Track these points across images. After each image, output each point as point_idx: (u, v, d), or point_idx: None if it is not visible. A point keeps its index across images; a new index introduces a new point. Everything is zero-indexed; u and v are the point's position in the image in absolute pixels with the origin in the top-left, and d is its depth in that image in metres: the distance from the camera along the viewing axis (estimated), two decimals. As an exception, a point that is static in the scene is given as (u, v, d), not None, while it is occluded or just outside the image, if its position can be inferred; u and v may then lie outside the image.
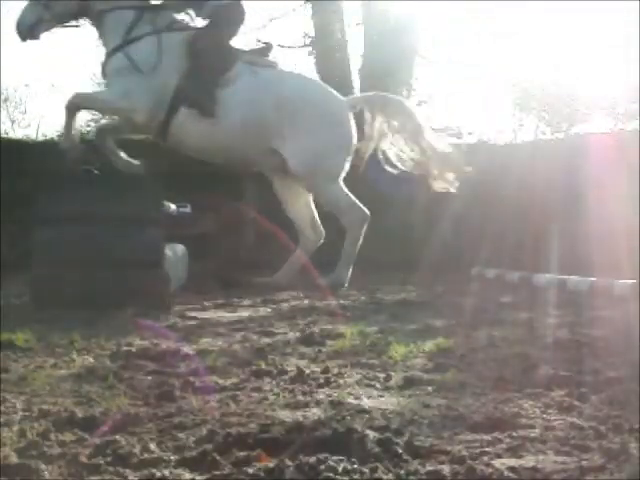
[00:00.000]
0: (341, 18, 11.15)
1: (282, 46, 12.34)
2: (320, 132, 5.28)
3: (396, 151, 5.84)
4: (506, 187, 8.40)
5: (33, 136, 9.64)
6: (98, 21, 5.34)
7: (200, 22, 5.53)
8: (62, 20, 5.35)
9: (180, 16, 5.47)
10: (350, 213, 5.43)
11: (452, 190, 5.84)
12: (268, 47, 5.68)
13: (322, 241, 5.81)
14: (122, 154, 5.45)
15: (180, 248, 6.68)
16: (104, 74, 5.41)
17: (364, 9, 11.09)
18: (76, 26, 5.51)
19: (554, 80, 13.28)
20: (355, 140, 5.64)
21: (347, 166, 5.64)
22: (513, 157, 9.01)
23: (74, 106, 5.29)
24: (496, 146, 10.39)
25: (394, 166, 5.78)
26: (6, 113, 17.82)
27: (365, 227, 5.54)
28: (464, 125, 11.49)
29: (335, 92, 5.72)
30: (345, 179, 6.12)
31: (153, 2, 5.45)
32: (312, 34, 11.14)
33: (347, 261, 5.48)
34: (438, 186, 5.85)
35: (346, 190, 5.56)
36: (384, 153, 5.83)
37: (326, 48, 10.82)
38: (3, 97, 17.81)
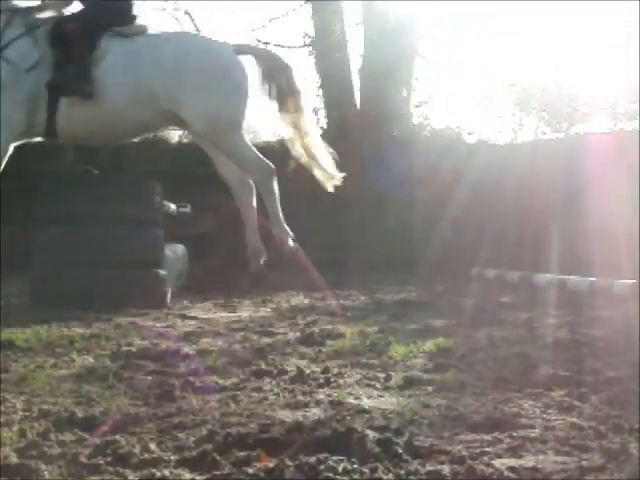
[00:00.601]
0: (341, 18, 11.14)
1: (282, 46, 12.37)
2: (210, 82, 5.02)
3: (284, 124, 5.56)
4: (506, 187, 8.41)
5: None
6: None
7: None
8: None
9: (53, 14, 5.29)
10: (256, 166, 5.21)
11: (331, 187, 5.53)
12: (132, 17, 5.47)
13: (254, 191, 5.49)
14: None
15: (180, 248, 6.68)
16: None
17: (364, 9, 11.09)
18: None
19: (554, 80, 13.25)
20: (248, 85, 5.37)
21: (246, 114, 5.37)
22: (513, 157, 9.01)
23: None
24: (496, 146, 10.40)
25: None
26: (6, 113, 17.79)
27: (275, 181, 5.27)
28: (464, 125, 11.44)
29: (219, 41, 5.53)
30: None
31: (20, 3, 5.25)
32: (312, 34, 11.14)
33: (276, 220, 5.23)
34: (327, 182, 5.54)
35: (250, 143, 5.35)
36: (278, 122, 5.55)
37: (326, 48, 10.81)
38: (3, 97, 17.79)
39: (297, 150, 5.29)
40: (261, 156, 5.29)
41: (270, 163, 5.28)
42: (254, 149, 5.24)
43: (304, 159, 5.33)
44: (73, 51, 4.92)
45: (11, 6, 5.06)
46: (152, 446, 1.70)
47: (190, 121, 5.02)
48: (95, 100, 4.90)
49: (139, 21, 5.32)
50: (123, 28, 5.12)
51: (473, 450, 1.68)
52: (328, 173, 5.34)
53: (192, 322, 4.10)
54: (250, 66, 5.44)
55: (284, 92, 5.25)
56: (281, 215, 5.27)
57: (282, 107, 5.29)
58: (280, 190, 6.23)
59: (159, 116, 5.09)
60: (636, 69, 11.31)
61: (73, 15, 5.17)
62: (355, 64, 10.90)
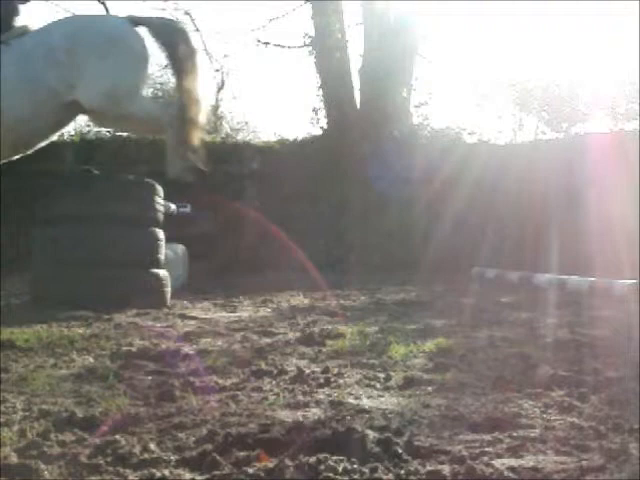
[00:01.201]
0: (341, 18, 11.15)
1: (282, 46, 12.38)
2: (102, 58, 4.87)
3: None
4: (506, 187, 8.42)
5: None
6: None
7: None
8: None
9: None
10: (166, 113, 5.06)
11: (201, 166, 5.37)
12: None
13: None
14: None
15: (180, 248, 6.69)
16: None
17: (364, 9, 11.10)
18: None
19: (554, 80, 13.27)
20: (146, 52, 5.12)
21: (146, 76, 5.22)
22: (513, 157, 9.02)
23: None
24: (496, 146, 10.41)
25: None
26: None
27: (175, 111, 5.15)
28: (464, 125, 11.45)
29: (110, 15, 5.34)
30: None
31: None
32: (312, 34, 11.14)
33: (174, 153, 5.09)
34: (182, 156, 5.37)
35: (147, 95, 5.18)
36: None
37: (326, 48, 10.82)
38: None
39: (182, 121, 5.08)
40: (160, 100, 5.16)
41: (171, 103, 5.13)
42: (151, 99, 5.09)
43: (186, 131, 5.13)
44: None
45: None
46: (152, 446, 1.70)
47: (88, 102, 4.85)
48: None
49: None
50: (6, 34, 4.93)
51: (473, 450, 1.68)
52: (196, 148, 5.20)
53: (192, 322, 4.10)
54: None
55: (179, 60, 5.12)
56: (177, 149, 5.09)
57: (178, 74, 5.14)
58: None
59: (67, 109, 4.96)
60: (636, 69, 11.32)
61: None
62: (355, 64, 10.92)
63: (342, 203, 9.29)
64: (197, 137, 5.05)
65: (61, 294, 4.55)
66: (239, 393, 2.30)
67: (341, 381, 2.49)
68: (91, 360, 2.89)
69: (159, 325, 3.92)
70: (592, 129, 12.19)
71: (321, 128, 10.94)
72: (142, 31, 5.10)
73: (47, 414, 2.01)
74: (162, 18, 5.61)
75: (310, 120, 11.37)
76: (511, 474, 1.52)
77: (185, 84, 5.04)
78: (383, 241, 8.90)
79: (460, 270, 7.58)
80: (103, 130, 9.13)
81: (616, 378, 2.45)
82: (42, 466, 1.55)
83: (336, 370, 2.66)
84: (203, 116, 5.16)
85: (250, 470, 1.51)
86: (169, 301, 4.99)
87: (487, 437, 1.79)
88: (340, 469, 1.50)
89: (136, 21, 5.14)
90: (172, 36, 5.10)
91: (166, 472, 1.54)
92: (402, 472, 1.52)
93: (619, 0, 12.75)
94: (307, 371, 2.61)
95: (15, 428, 1.86)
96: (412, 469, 1.54)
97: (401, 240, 8.81)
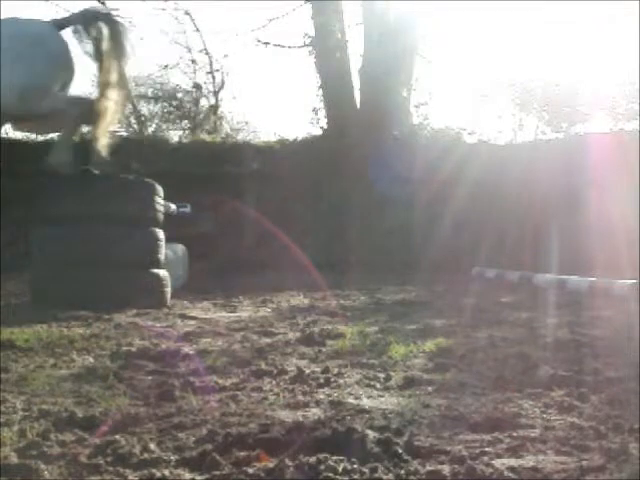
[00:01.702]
0: (341, 18, 11.16)
1: (282, 46, 12.38)
2: (21, 61, 4.94)
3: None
4: (506, 187, 8.42)
5: (33, 136, 9.65)
6: None
7: None
8: None
9: None
10: (72, 103, 5.14)
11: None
12: None
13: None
14: None
15: (180, 248, 6.69)
16: None
17: (364, 9, 11.10)
18: None
19: (554, 80, 13.27)
20: (63, 52, 5.20)
21: (62, 77, 5.23)
22: (513, 157, 9.03)
23: None
24: (496, 146, 10.42)
25: None
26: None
27: (82, 106, 5.23)
28: (464, 125, 11.46)
29: (32, 18, 5.42)
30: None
31: None
32: (312, 34, 11.15)
33: (65, 143, 5.22)
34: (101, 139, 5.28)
35: (55, 91, 5.25)
36: None
37: (326, 48, 10.82)
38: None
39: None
40: (68, 95, 5.24)
41: (80, 96, 5.25)
42: (61, 95, 5.16)
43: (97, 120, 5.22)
44: None
45: None
46: (152, 446, 1.70)
47: (3, 104, 4.93)
48: None
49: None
50: None
51: (473, 450, 1.68)
52: (104, 141, 5.27)
53: (192, 322, 4.10)
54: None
55: (103, 48, 5.18)
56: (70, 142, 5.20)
57: (100, 60, 5.18)
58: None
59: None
60: (636, 69, 11.32)
61: None
62: (355, 64, 10.93)
63: (342, 203, 9.29)
64: (106, 130, 5.18)
65: (61, 294, 4.55)
66: (239, 393, 2.30)
67: (341, 381, 2.49)
68: (91, 360, 2.89)
69: (159, 325, 3.92)
70: (592, 129, 12.18)
71: (321, 128, 10.95)
72: (66, 33, 5.19)
73: (47, 414, 2.01)
74: (89, 9, 5.62)
75: (310, 120, 11.39)
76: (511, 474, 1.52)
77: (107, 71, 5.13)
78: (383, 241, 8.91)
79: (460, 270, 7.59)
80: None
81: (616, 378, 2.45)
82: (42, 466, 1.55)
83: (336, 370, 2.66)
84: (118, 108, 5.28)
85: (250, 470, 1.51)
86: (169, 301, 4.99)
87: (487, 437, 1.79)
88: (340, 469, 1.50)
89: (60, 24, 5.23)
90: (93, 20, 5.18)
91: (166, 472, 1.54)
92: (402, 472, 1.52)
93: (619, 0, 12.76)
94: (307, 371, 2.61)
95: (15, 428, 1.86)
96: (412, 469, 1.54)
97: (401, 240, 8.81)
